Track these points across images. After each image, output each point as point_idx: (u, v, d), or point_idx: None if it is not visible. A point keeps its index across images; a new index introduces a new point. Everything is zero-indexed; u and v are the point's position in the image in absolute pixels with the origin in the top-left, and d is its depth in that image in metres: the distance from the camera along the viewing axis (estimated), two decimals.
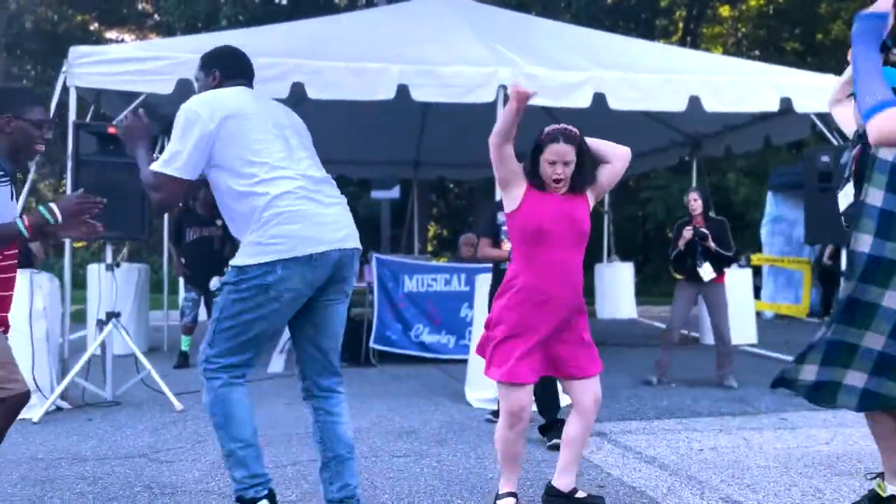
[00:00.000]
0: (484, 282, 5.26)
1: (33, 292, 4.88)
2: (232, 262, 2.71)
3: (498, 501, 3.12)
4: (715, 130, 8.79)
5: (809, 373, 2.85)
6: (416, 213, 12.41)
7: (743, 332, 8.78)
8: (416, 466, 3.86)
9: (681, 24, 19.87)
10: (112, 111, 6.62)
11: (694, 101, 6.19)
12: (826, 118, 6.48)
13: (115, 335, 5.41)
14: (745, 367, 7.11)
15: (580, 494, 3.20)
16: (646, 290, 15.07)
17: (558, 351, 3.06)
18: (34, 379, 4.88)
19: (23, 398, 2.80)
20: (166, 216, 8.09)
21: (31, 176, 5.98)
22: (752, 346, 8.61)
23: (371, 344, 7.19)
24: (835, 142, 6.57)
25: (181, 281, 7.82)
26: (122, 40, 19.02)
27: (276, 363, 7.41)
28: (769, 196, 12.18)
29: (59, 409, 5.10)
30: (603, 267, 11.69)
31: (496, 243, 4.71)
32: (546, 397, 4.27)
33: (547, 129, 3.08)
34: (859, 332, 2.74)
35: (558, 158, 3.00)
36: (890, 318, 2.66)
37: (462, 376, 5.78)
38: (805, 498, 3.37)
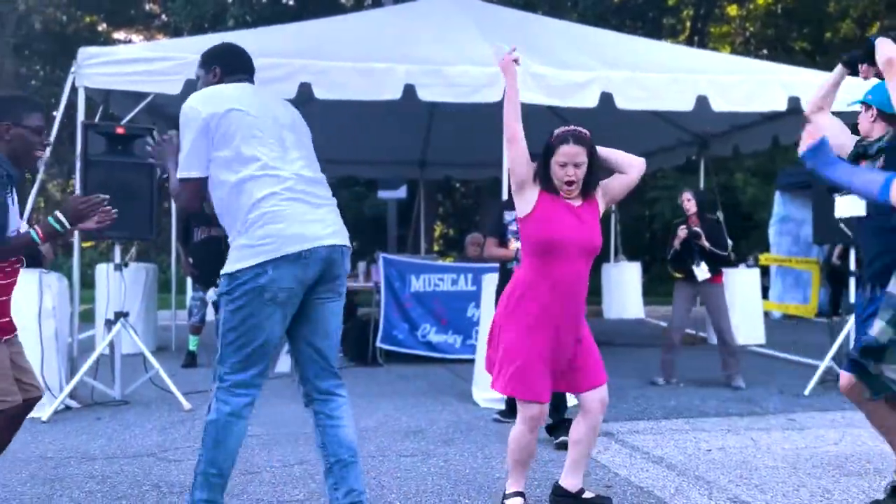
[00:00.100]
0: (491, 281, 5.26)
1: (42, 292, 4.91)
2: (222, 271, 2.70)
3: (506, 501, 3.12)
4: (722, 130, 8.76)
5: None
6: (422, 212, 12.42)
7: (751, 332, 8.75)
8: (423, 466, 3.87)
9: (688, 24, 19.82)
10: (120, 111, 6.64)
11: (701, 101, 6.17)
12: (846, 117, 6.45)
13: (123, 335, 5.43)
14: (753, 368, 7.09)
15: (587, 495, 3.20)
16: (653, 290, 15.02)
17: (569, 366, 3.07)
18: (43, 378, 4.90)
19: (19, 410, 2.83)
20: (174, 216, 8.12)
21: (40, 176, 6.00)
22: (761, 346, 8.58)
23: (378, 343, 7.20)
24: None
25: (189, 280, 7.85)
26: (130, 41, 19.11)
27: (283, 363, 7.42)
28: (777, 196, 12.14)
29: (68, 408, 5.13)
30: (610, 267, 11.67)
31: (503, 243, 4.71)
32: (553, 397, 4.26)
33: (556, 131, 3.08)
34: None
35: (569, 160, 2.99)
36: None
37: (469, 376, 5.78)
38: (814, 498, 3.36)
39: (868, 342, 2.78)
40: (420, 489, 3.49)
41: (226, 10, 14.78)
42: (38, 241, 2.74)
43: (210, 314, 7.43)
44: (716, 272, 6.17)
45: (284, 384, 6.24)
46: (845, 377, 3.06)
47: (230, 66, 2.91)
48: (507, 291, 3.11)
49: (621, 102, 6.05)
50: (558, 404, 4.31)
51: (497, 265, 4.91)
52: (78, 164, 5.35)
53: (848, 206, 3.09)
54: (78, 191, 5.49)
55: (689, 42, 18.14)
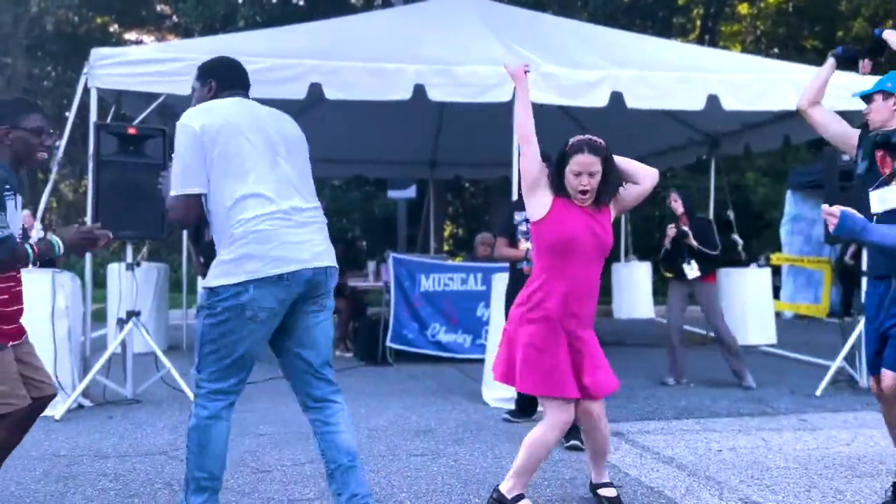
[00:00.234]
0: (500, 281, 5.26)
1: (55, 291, 4.94)
2: (204, 284, 2.72)
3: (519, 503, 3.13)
4: (733, 129, 8.72)
5: None
6: (432, 212, 12.42)
7: (762, 332, 8.72)
8: (433, 465, 3.87)
9: (698, 23, 19.73)
10: (132, 112, 6.68)
11: (712, 100, 6.15)
12: (848, 116, 6.40)
13: (135, 334, 5.47)
14: (764, 368, 7.06)
15: (604, 493, 3.24)
16: (663, 290, 14.95)
17: (583, 373, 3.07)
18: (56, 377, 4.94)
19: (36, 408, 2.84)
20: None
21: (53, 176, 6.05)
22: (772, 346, 8.53)
23: (388, 343, 7.21)
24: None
25: (200, 280, 7.88)
26: (141, 41, 19.20)
27: None
28: (788, 195, 12.07)
29: (80, 406, 5.16)
30: (620, 266, 11.64)
31: (513, 243, 4.71)
32: None
33: (571, 140, 3.09)
34: None
35: (584, 169, 3.00)
36: None
37: (478, 376, 5.79)
38: (825, 499, 3.34)
39: None
40: (430, 488, 3.50)
41: (236, 10, 14.82)
42: (30, 256, 2.73)
43: None
44: (707, 272, 6.16)
45: None
46: (890, 376, 3.01)
47: (226, 80, 2.92)
48: (523, 295, 3.12)
49: (631, 102, 6.03)
50: None
51: (507, 265, 4.91)
52: (90, 165, 5.39)
53: (885, 201, 3.04)
54: (90, 190, 5.53)
55: (700, 41, 18.06)
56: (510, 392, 4.98)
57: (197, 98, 2.94)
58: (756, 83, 6.28)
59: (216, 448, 2.71)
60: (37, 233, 5.76)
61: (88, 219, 5.60)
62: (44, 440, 4.35)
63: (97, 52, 5.78)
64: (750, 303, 8.74)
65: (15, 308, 2.92)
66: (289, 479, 3.65)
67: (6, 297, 2.88)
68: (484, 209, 20.64)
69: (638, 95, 6.04)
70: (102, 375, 5.31)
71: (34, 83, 19.39)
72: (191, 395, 5.18)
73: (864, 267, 6.04)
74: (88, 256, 5.78)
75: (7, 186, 2.76)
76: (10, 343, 2.87)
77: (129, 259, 5.70)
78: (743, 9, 19.98)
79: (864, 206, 3.08)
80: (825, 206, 2.82)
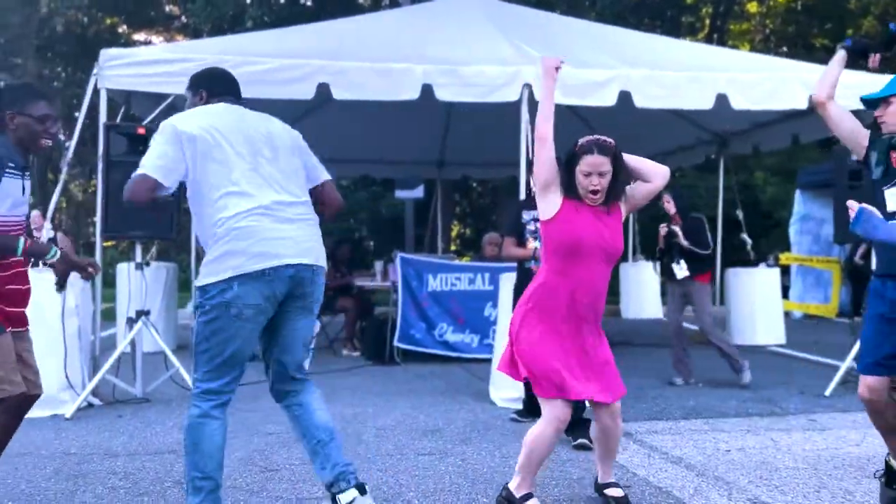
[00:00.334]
0: (508, 281, 5.26)
1: (65, 291, 4.96)
2: (195, 284, 2.79)
3: (527, 502, 3.12)
4: (742, 128, 8.69)
5: None
6: (439, 212, 12.43)
7: (771, 331, 8.68)
8: (440, 465, 3.88)
9: (707, 21, 19.66)
10: (141, 112, 6.72)
11: (721, 99, 6.13)
12: (858, 115, 6.37)
13: (144, 333, 5.50)
14: (773, 368, 7.03)
15: (610, 492, 3.23)
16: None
17: (592, 377, 3.07)
18: (66, 375, 4.98)
19: (24, 399, 2.82)
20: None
21: (63, 176, 6.09)
22: (781, 346, 8.50)
23: (395, 343, 7.22)
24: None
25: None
26: (150, 42, 19.28)
27: None
28: (797, 194, 12.02)
29: (90, 405, 5.19)
30: (628, 266, 11.63)
31: (521, 242, 4.71)
32: None
33: (581, 140, 3.09)
34: None
35: (593, 170, 3.01)
36: None
37: (486, 375, 5.79)
38: (835, 500, 3.33)
39: None
40: (438, 487, 3.51)
41: (244, 11, 14.87)
42: (19, 250, 2.74)
43: None
44: (699, 271, 6.14)
45: None
46: (876, 380, 2.99)
47: (216, 88, 2.99)
48: (528, 292, 3.12)
49: (640, 101, 6.02)
50: (576, 405, 4.30)
51: (515, 265, 4.91)
52: (100, 165, 5.42)
53: None
54: (100, 190, 5.56)
55: (709, 40, 18.00)
56: (518, 392, 4.98)
57: (189, 106, 3.02)
58: (765, 82, 6.25)
59: (209, 447, 2.75)
60: (46, 232, 5.80)
61: (98, 219, 5.63)
62: (54, 439, 4.38)
63: (106, 53, 5.81)
64: (759, 302, 8.70)
65: (15, 288, 2.90)
66: (297, 477, 3.66)
67: (7, 273, 2.86)
68: (491, 209, 20.64)
69: (646, 95, 6.03)
70: (112, 374, 5.34)
71: (44, 84, 19.49)
72: None
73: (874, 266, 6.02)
74: (99, 256, 5.81)
75: (10, 164, 2.78)
76: (10, 328, 2.86)
77: (139, 258, 5.73)
78: (752, 7, 19.90)
79: (876, 206, 3.05)
80: (851, 202, 2.79)
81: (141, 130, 5.37)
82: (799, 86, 6.28)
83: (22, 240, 2.76)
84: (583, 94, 5.97)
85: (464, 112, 8.71)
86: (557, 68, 3.12)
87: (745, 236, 8.96)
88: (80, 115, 6.03)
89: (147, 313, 5.48)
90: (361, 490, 2.83)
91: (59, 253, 2.81)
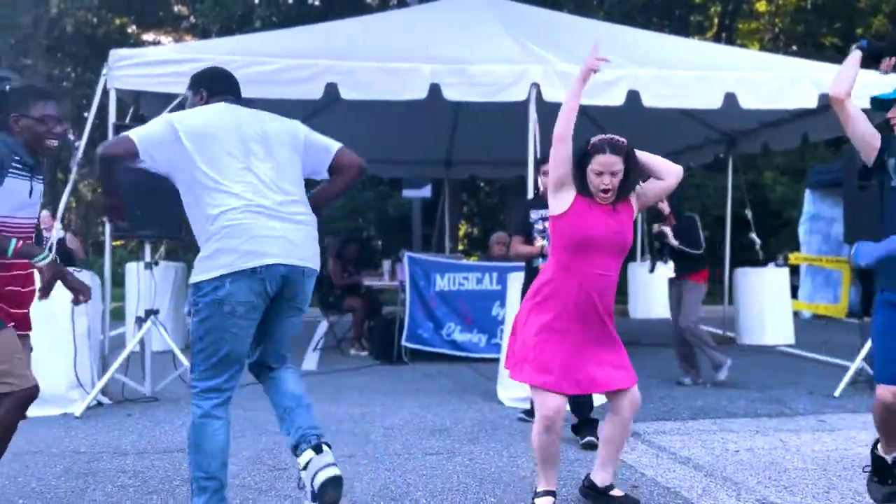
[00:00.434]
0: (516, 280, 5.25)
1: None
2: (190, 282, 2.81)
3: (536, 500, 3.12)
4: (751, 128, 8.65)
5: None
6: (447, 211, 12.42)
7: (780, 332, 8.65)
8: (448, 464, 3.88)
9: (716, 20, 19.59)
10: (150, 112, 6.73)
11: (730, 98, 6.11)
12: (868, 115, 6.33)
13: (153, 332, 5.52)
14: (782, 368, 7.01)
15: (615, 492, 3.20)
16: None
17: (594, 371, 3.06)
18: (76, 374, 5.01)
19: (29, 394, 2.78)
20: None
21: (72, 176, 6.12)
22: (790, 346, 8.46)
23: (403, 342, 7.22)
24: None
25: None
26: (159, 42, 19.35)
27: (310, 361, 7.49)
28: (807, 194, 11.96)
29: (99, 404, 5.22)
30: (636, 266, 11.59)
31: (528, 241, 4.70)
32: (579, 396, 4.25)
33: (593, 139, 3.09)
34: None
35: (605, 169, 3.01)
36: None
37: (494, 375, 5.79)
38: (844, 501, 3.32)
39: None
40: (446, 487, 3.51)
41: (253, 11, 14.91)
42: (10, 251, 2.72)
43: None
44: (691, 270, 6.12)
45: (310, 382, 6.28)
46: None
47: (215, 87, 3.02)
48: (535, 286, 3.12)
49: (648, 100, 6.01)
50: (583, 403, 4.30)
51: (522, 264, 4.90)
52: None
53: None
54: None
55: (717, 39, 17.93)
56: (525, 391, 4.97)
57: (189, 106, 3.05)
58: (774, 81, 6.23)
59: (211, 447, 2.76)
60: (56, 232, 5.83)
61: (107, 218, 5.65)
62: (64, 437, 4.41)
63: (116, 54, 5.83)
64: (768, 302, 8.67)
65: (15, 289, 2.87)
66: None
67: (7, 274, 2.84)
68: (499, 208, 20.63)
69: (655, 94, 6.01)
70: (121, 373, 5.37)
71: (54, 84, 19.60)
72: None
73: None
74: (108, 256, 5.84)
75: (15, 163, 2.78)
76: (10, 323, 2.83)
77: (147, 258, 5.75)
78: (761, 6, 19.82)
79: (889, 206, 3.02)
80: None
81: None
82: (808, 85, 6.25)
83: (14, 241, 2.72)
84: (591, 94, 5.94)
85: (471, 111, 8.71)
86: (595, 71, 3.09)
87: (753, 236, 8.92)
88: (90, 116, 6.06)
89: (156, 312, 5.51)
90: (317, 450, 2.79)
91: (49, 258, 2.75)
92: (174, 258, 10.49)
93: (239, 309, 2.71)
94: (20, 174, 2.84)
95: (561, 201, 3.07)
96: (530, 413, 4.82)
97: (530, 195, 5.58)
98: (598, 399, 4.22)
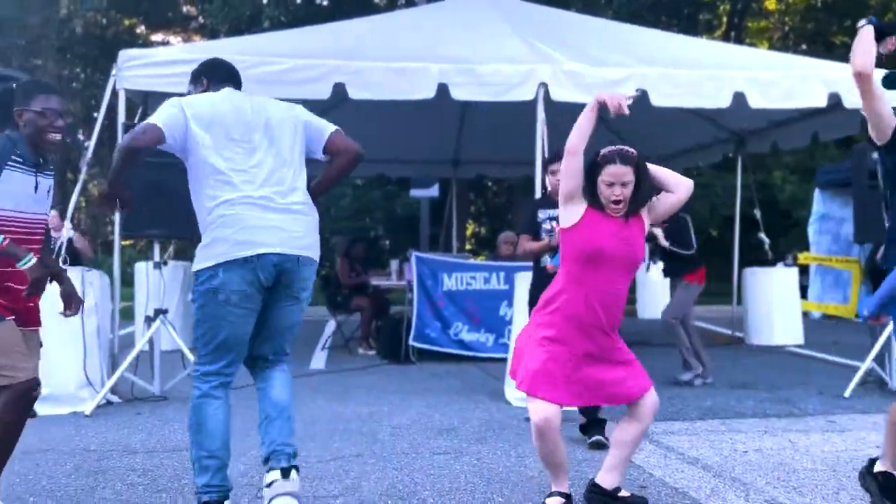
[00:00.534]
0: (523, 280, 5.25)
1: (85, 289, 5.03)
2: (191, 270, 2.88)
3: (547, 500, 3.12)
4: (760, 127, 8.62)
5: None
6: (454, 211, 12.43)
7: (789, 332, 8.62)
8: (456, 464, 3.88)
9: (725, 19, 19.52)
10: None
11: (738, 98, 6.08)
12: None
13: (162, 331, 5.54)
14: (791, 368, 6.98)
15: (623, 494, 3.19)
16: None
17: (598, 385, 3.05)
18: (86, 373, 5.04)
19: (27, 387, 2.75)
20: None
21: (82, 176, 6.15)
22: (799, 346, 8.43)
23: (410, 342, 7.23)
24: None
25: None
26: (168, 42, 19.43)
27: (318, 359, 7.51)
28: (816, 193, 11.91)
29: (109, 402, 5.25)
30: (642, 266, 11.57)
31: (536, 240, 4.70)
32: None
33: (603, 150, 3.09)
34: None
35: (616, 180, 3.00)
36: None
37: (501, 375, 5.78)
38: (854, 502, 3.30)
39: None
40: (453, 486, 3.51)
41: (261, 11, 14.96)
42: None
43: None
44: (684, 270, 6.10)
45: (319, 381, 6.31)
46: None
47: (216, 76, 3.06)
48: (546, 298, 3.11)
49: (657, 100, 5.99)
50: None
51: (530, 264, 4.90)
52: None
53: None
54: None
55: (726, 38, 17.86)
56: None
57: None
58: (784, 81, 6.20)
59: (212, 425, 2.82)
60: (67, 232, 5.86)
61: (116, 218, 5.68)
62: (74, 435, 4.43)
63: (125, 54, 5.86)
64: (777, 302, 8.64)
65: (16, 285, 2.83)
66: (313, 475, 3.68)
67: (8, 269, 2.81)
68: (506, 208, 20.62)
69: (663, 93, 6.00)
70: (130, 372, 5.39)
71: (63, 85, 19.70)
72: None
73: None
74: (117, 255, 5.87)
75: (15, 158, 2.78)
76: (9, 317, 2.80)
77: (157, 258, 5.78)
78: (770, 4, 19.73)
79: None
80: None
81: None
82: (818, 84, 6.23)
83: (0, 237, 2.71)
84: None
85: (479, 111, 8.71)
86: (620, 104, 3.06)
87: (762, 235, 8.89)
88: (99, 116, 6.09)
89: (165, 312, 5.53)
90: (285, 474, 2.81)
91: (31, 262, 2.73)
92: (183, 258, 10.54)
93: (233, 297, 2.76)
94: (21, 168, 2.83)
95: (572, 213, 3.06)
96: None
97: (538, 195, 5.58)
98: None
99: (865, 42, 3.06)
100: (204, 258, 2.79)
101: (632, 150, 3.07)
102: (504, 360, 5.91)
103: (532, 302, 4.69)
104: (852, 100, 6.28)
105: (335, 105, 7.63)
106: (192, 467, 2.88)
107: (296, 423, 4.63)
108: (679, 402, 5.47)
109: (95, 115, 6.74)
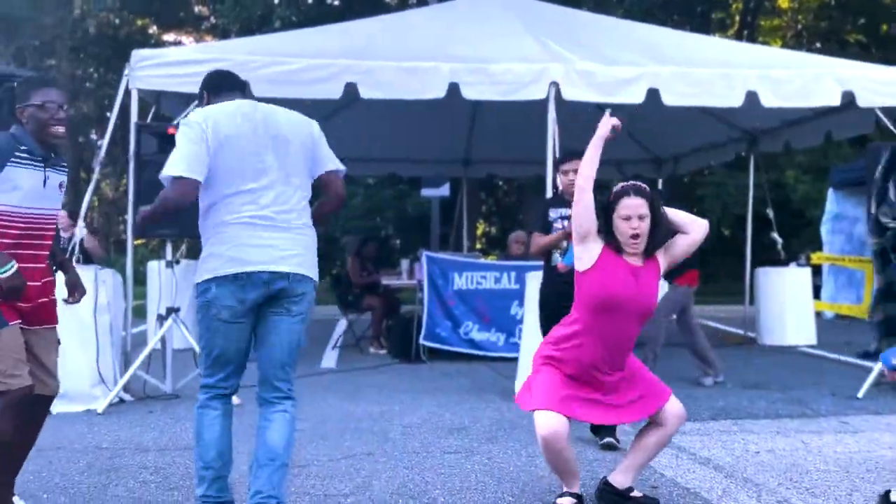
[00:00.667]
0: (534, 279, 5.24)
1: (98, 288, 5.06)
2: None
3: (558, 500, 3.11)
4: (773, 126, 8.56)
5: None
6: (465, 210, 12.42)
7: (802, 332, 8.56)
8: (466, 463, 3.88)
9: (737, 18, 19.40)
10: (172, 112, 6.81)
11: (751, 96, 6.05)
12: (892, 112, 6.25)
13: (174, 330, 5.57)
14: (803, 369, 6.93)
15: (635, 494, 3.18)
16: (700, 289, 14.78)
17: (619, 404, 3.07)
18: (99, 371, 5.07)
19: (22, 394, 2.74)
20: None
21: (95, 175, 6.19)
22: (812, 346, 8.37)
23: (421, 341, 7.24)
24: None
25: None
26: (180, 42, 19.52)
27: (329, 358, 7.53)
28: (830, 193, 11.82)
29: (121, 400, 5.28)
30: None
31: None
32: None
33: (615, 187, 3.10)
34: None
35: (632, 213, 3.00)
36: None
37: (512, 374, 5.78)
38: None
39: None
40: (464, 486, 3.51)
41: (273, 11, 15.00)
42: None
43: None
44: (675, 273, 6.05)
45: (329, 380, 6.32)
46: None
47: (216, 87, 3.08)
48: (557, 334, 3.12)
49: (669, 99, 5.97)
50: None
51: (541, 263, 4.89)
52: (131, 164, 5.51)
53: None
54: (131, 189, 5.65)
55: (739, 36, 17.75)
56: None
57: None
58: (797, 79, 6.16)
59: (208, 436, 2.86)
60: (80, 230, 5.90)
61: (129, 217, 5.72)
62: (87, 433, 4.47)
63: (138, 54, 5.89)
64: (789, 302, 8.58)
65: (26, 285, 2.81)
66: (325, 473, 3.69)
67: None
68: (517, 207, 20.59)
69: (675, 92, 5.97)
70: (143, 371, 5.43)
71: (77, 84, 19.84)
72: None
73: None
74: (129, 254, 5.91)
75: (21, 153, 2.78)
76: (19, 323, 2.80)
77: (169, 257, 5.81)
78: (784, 3, 19.59)
79: None
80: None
81: (171, 130, 5.43)
82: (832, 82, 6.17)
83: None
84: (611, 92, 5.93)
85: (490, 110, 8.70)
86: (616, 128, 3.11)
87: (775, 235, 8.83)
88: (112, 116, 6.12)
89: (177, 310, 5.56)
90: None
91: (11, 271, 2.71)
92: (195, 256, 10.59)
93: (223, 313, 2.81)
94: (27, 164, 2.82)
95: (588, 254, 3.05)
96: None
97: (549, 194, 5.57)
98: None
99: None
100: (201, 272, 2.85)
101: (644, 185, 3.09)
102: (515, 359, 5.90)
103: (543, 302, 4.69)
104: (866, 98, 6.23)
105: (346, 105, 7.66)
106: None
107: (306, 421, 4.67)
108: (691, 402, 5.44)
109: (108, 114, 6.78)
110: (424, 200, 14.85)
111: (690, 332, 6.21)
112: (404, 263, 8.90)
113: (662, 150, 10.59)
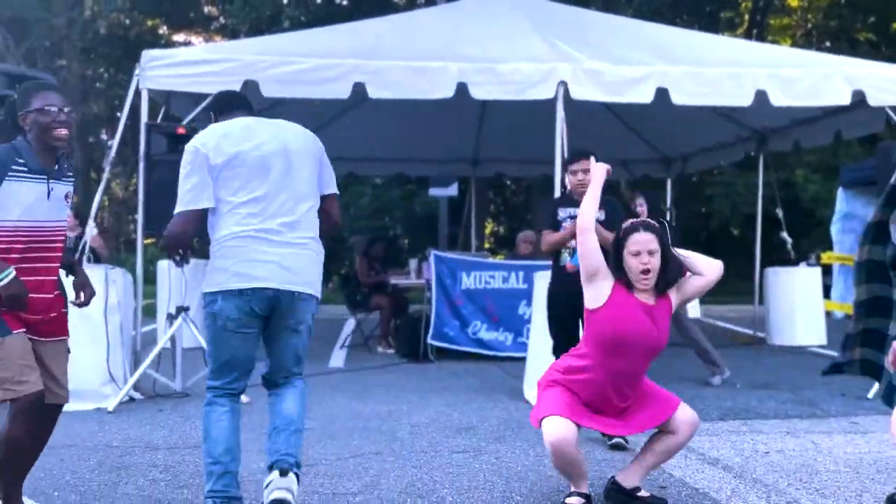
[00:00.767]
0: (542, 279, 5.24)
1: (108, 287, 5.09)
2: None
3: (567, 500, 3.12)
4: (783, 125, 8.52)
5: None
6: (473, 210, 12.42)
7: (812, 332, 8.52)
8: (474, 462, 3.89)
9: (747, 17, 19.32)
10: (181, 112, 6.84)
11: (760, 96, 6.03)
12: None
13: (184, 329, 5.60)
14: (813, 369, 6.89)
15: (642, 494, 3.18)
16: (710, 289, 14.71)
17: (628, 420, 3.11)
18: (109, 370, 5.10)
19: (31, 400, 2.72)
20: None
21: (105, 175, 6.23)
22: (822, 346, 8.33)
23: (429, 340, 7.24)
24: None
25: None
26: (190, 43, 19.60)
27: (338, 358, 7.55)
28: (840, 192, 11.75)
29: (132, 399, 5.31)
30: None
31: None
32: None
33: (623, 224, 3.12)
34: None
35: (642, 248, 3.00)
36: None
37: (520, 374, 5.78)
38: None
39: None
40: (472, 485, 3.51)
41: (282, 11, 15.04)
42: None
43: None
44: None
45: (337, 379, 6.34)
46: None
47: (222, 107, 3.15)
48: (567, 364, 3.14)
49: (677, 98, 5.95)
50: None
51: (549, 262, 4.89)
52: (141, 164, 5.54)
53: None
54: (141, 189, 5.68)
55: (748, 35, 17.68)
56: None
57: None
58: (807, 78, 6.13)
59: (216, 432, 2.91)
60: (90, 230, 5.94)
61: (139, 216, 5.75)
62: (97, 431, 4.49)
63: (148, 55, 5.92)
64: (799, 302, 8.54)
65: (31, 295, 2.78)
66: (333, 472, 3.70)
67: (22, 279, 2.74)
68: (525, 207, 20.58)
69: (684, 91, 5.96)
70: (153, 369, 5.45)
71: (87, 85, 19.95)
72: None
73: None
74: (139, 254, 5.94)
75: (18, 167, 2.75)
76: (23, 330, 2.76)
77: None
78: (793, 1, 19.49)
79: None
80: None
81: (181, 130, 5.47)
82: (841, 81, 6.15)
83: None
84: (619, 92, 5.93)
85: (498, 110, 8.70)
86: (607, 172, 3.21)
87: (785, 235, 8.80)
88: (122, 116, 6.16)
89: (187, 309, 5.58)
90: (283, 473, 2.87)
91: (9, 278, 2.68)
92: (204, 256, 10.63)
93: (229, 324, 2.87)
94: (26, 177, 2.78)
95: (598, 292, 3.06)
96: None
97: (557, 194, 5.57)
98: None
99: None
100: (208, 283, 2.91)
101: (653, 221, 3.11)
102: (523, 359, 5.90)
103: (551, 303, 4.69)
104: (876, 97, 6.20)
105: (355, 104, 7.68)
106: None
107: (314, 420, 4.69)
108: (700, 402, 5.42)
109: (119, 114, 6.81)
110: (432, 200, 14.86)
111: (689, 335, 6.20)
112: (412, 263, 8.91)
113: (671, 150, 10.55)
